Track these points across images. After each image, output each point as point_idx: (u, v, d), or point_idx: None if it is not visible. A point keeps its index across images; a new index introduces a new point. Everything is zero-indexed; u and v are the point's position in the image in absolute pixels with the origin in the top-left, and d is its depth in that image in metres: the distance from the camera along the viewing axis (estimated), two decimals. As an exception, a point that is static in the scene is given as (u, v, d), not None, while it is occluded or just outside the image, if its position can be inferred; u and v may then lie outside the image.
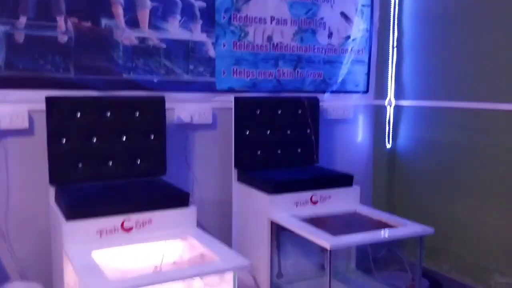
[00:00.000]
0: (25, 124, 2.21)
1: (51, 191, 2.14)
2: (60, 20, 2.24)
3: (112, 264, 1.88)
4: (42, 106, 2.15)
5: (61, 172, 2.15)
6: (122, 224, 1.91)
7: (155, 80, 2.47)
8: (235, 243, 2.60)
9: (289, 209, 2.30)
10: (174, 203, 2.03)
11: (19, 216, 2.26)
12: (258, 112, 2.62)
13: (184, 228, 2.03)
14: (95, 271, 1.60)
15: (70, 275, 1.83)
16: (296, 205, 2.33)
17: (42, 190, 2.23)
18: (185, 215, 2.04)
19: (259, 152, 2.63)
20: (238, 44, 2.67)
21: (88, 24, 2.29)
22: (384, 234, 2.11)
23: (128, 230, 1.92)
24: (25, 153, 2.25)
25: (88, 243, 1.82)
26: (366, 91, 3.12)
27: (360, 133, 3.17)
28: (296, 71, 2.86)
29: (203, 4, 2.55)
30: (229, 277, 1.70)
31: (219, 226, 2.66)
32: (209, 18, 2.58)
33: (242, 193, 2.54)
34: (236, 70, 2.68)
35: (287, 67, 2.83)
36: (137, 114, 2.29)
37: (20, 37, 2.17)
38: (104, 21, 2.33)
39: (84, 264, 1.65)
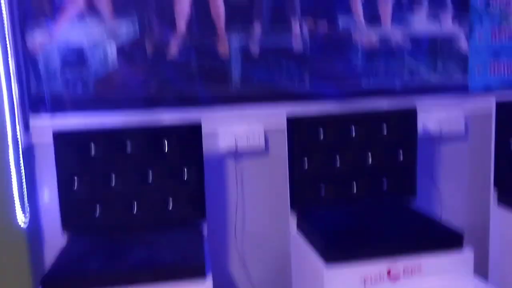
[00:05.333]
0: (261, 143, 2.02)
1: (292, 217, 1.93)
2: (295, 23, 1.98)
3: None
4: (278, 124, 1.93)
5: (303, 196, 1.92)
6: (388, 272, 1.59)
7: (398, 84, 2.09)
8: (493, 278, 2.12)
9: None
10: (447, 244, 1.64)
11: (255, 240, 2.12)
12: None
13: (459, 276, 1.63)
14: None
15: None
16: None
17: (279, 214, 2.04)
18: (460, 260, 1.64)
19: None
20: (497, 31, 2.13)
21: (324, 24, 1.99)
22: None
23: (395, 278, 1.60)
24: (260, 174, 2.08)
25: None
26: None
27: None
28: None
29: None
30: None
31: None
32: (460, 3, 2.08)
33: (505, 219, 2.03)
34: (495, 65, 2.14)
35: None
36: (384, 128, 1.94)
37: (255, 48, 1.97)
38: (341, 19, 2.01)
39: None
